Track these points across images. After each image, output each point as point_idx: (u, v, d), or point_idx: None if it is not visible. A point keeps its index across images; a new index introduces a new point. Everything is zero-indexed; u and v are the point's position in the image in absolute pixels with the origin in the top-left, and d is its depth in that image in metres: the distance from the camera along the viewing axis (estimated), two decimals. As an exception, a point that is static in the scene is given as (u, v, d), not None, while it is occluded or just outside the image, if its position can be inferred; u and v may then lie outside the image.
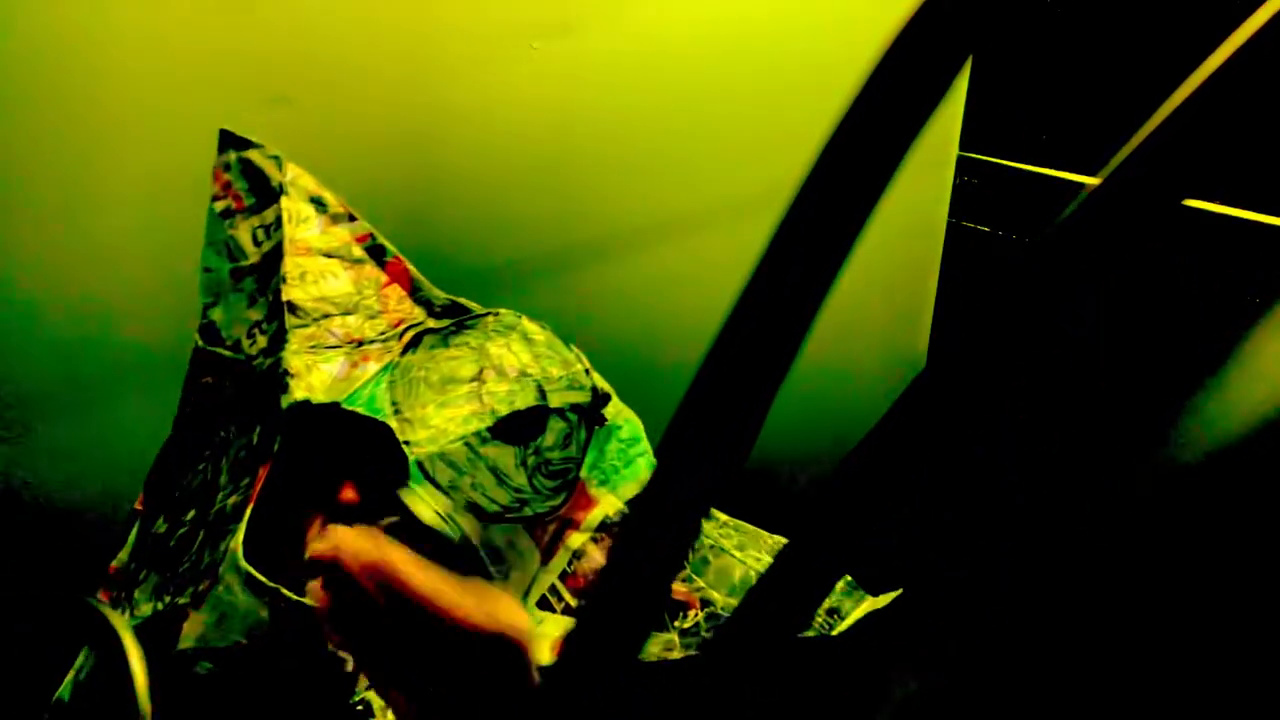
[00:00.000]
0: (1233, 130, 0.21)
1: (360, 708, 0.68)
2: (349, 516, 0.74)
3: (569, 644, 0.27)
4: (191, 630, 0.68)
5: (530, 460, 0.78)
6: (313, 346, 0.78)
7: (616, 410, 0.87)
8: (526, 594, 0.79)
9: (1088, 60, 1.35)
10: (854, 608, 0.81)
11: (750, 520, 0.92)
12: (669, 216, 1.24)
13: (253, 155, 0.83)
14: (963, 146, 1.38)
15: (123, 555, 0.81)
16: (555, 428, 0.80)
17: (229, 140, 0.84)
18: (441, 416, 0.76)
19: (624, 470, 0.83)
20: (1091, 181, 0.23)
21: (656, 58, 1.16)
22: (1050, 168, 1.36)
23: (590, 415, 0.83)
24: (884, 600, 0.80)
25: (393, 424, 0.74)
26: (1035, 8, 1.36)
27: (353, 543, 0.61)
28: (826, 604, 0.81)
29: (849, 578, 0.84)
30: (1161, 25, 1.25)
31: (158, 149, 1.00)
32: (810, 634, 0.78)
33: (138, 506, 0.83)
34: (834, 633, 0.79)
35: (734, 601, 0.81)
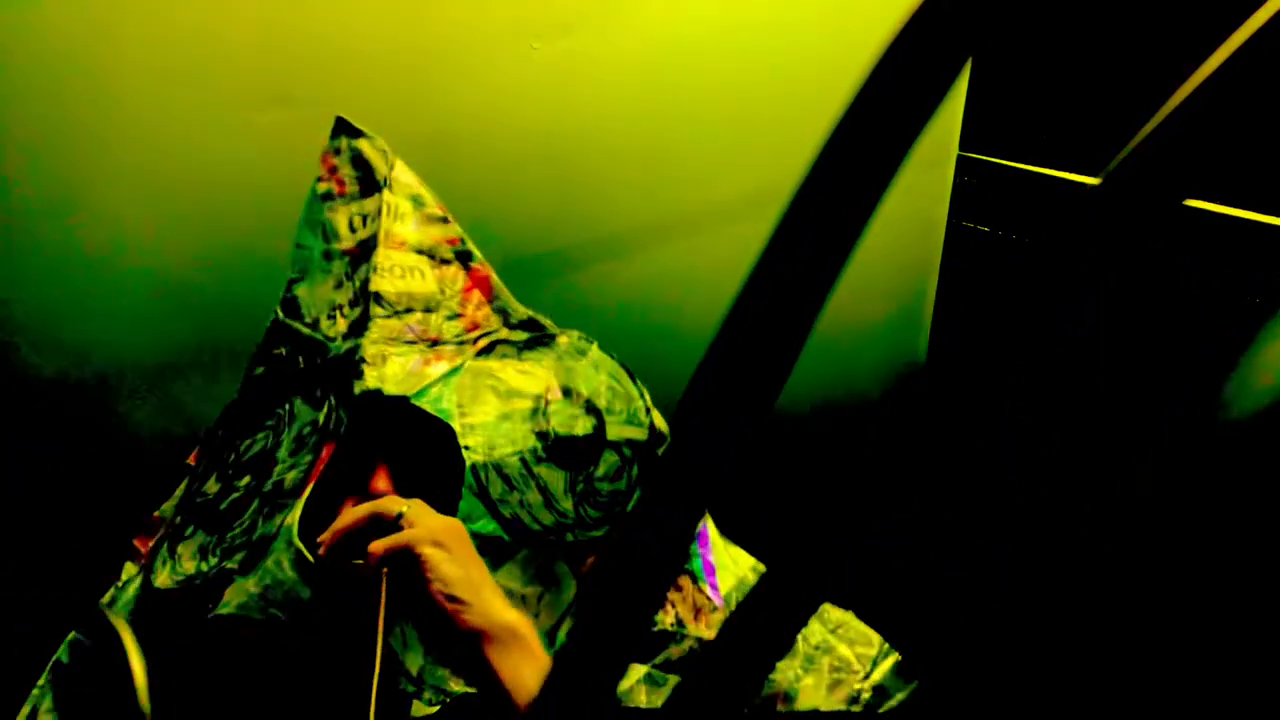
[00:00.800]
0: (1233, 130, 0.21)
1: (414, 689, 0.70)
2: None
3: (562, 657, 0.27)
4: (234, 597, 0.69)
5: (580, 487, 0.79)
6: (391, 339, 0.79)
7: None
8: (559, 622, 0.78)
9: (1088, 60, 1.35)
10: (901, 689, 0.81)
11: (750, 520, 0.92)
12: (669, 216, 1.24)
13: (363, 145, 0.85)
14: (963, 146, 1.38)
15: (167, 507, 0.81)
16: (609, 460, 0.80)
17: (342, 127, 0.85)
18: (502, 427, 0.77)
19: None
20: (1091, 181, 0.23)
21: (656, 58, 1.16)
22: (1050, 168, 1.36)
23: (645, 453, 0.83)
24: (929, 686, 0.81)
25: (455, 425, 0.75)
26: (1035, 8, 1.36)
27: (426, 514, 0.64)
28: (874, 680, 0.82)
29: (899, 657, 0.84)
30: (1161, 25, 1.25)
31: (157, 149, 1.00)
32: (857, 709, 0.80)
33: (190, 461, 0.84)
34: (881, 711, 0.80)
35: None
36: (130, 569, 0.80)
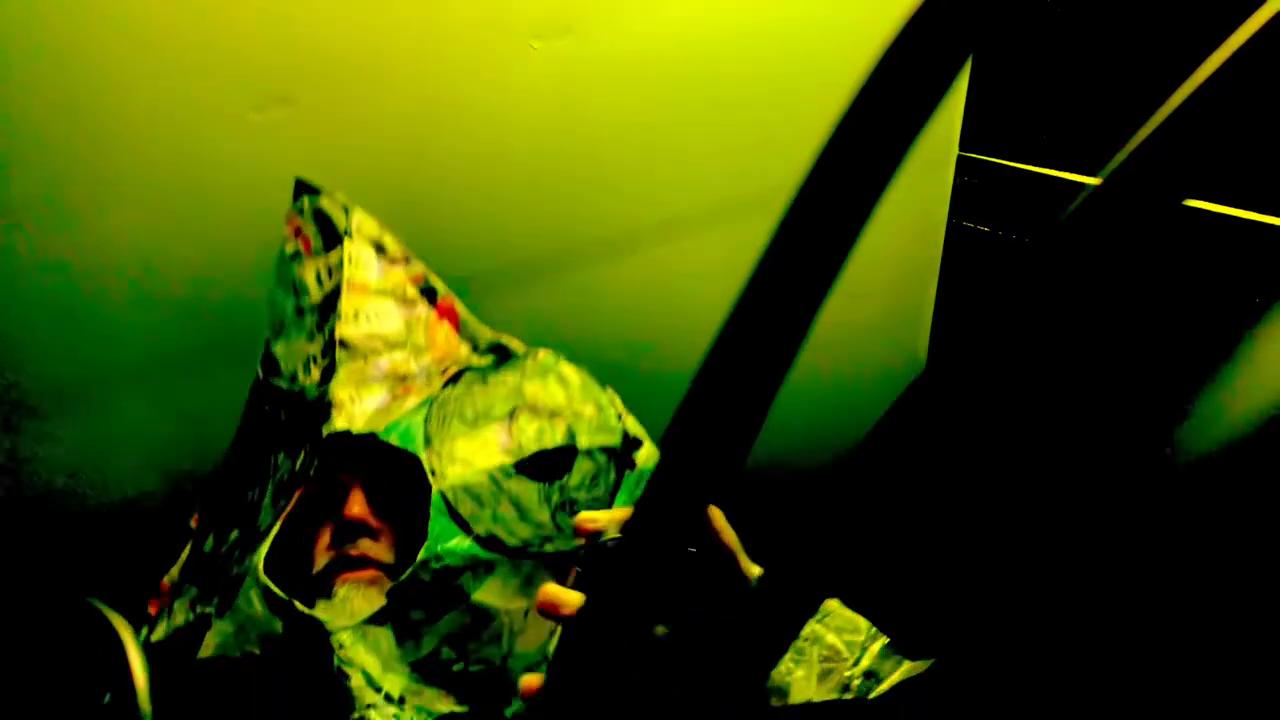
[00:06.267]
0: (1233, 130, 0.21)
1: None
2: (355, 534, 0.76)
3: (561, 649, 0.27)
4: (213, 640, 0.70)
5: (554, 498, 0.78)
6: (359, 380, 0.81)
7: (649, 455, 0.86)
8: (551, 635, 0.77)
9: (1088, 60, 1.35)
10: (892, 671, 0.81)
11: (749, 520, 0.92)
12: (669, 216, 1.24)
13: (322, 202, 0.87)
14: (963, 146, 1.38)
15: (174, 572, 0.84)
16: (582, 468, 0.80)
17: (303, 188, 0.88)
18: (469, 450, 0.77)
19: None
20: (1092, 181, 0.23)
21: (657, 57, 1.16)
22: (1050, 168, 1.36)
23: (620, 458, 0.83)
24: (922, 666, 0.80)
25: (422, 456, 0.76)
26: (1035, 8, 1.36)
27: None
28: (864, 666, 0.81)
29: (886, 640, 0.83)
30: (1161, 25, 1.25)
31: (157, 148, 1.00)
32: (849, 696, 0.79)
33: (192, 524, 0.86)
34: (871, 696, 0.79)
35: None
36: (143, 632, 0.82)
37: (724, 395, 0.26)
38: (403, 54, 1.05)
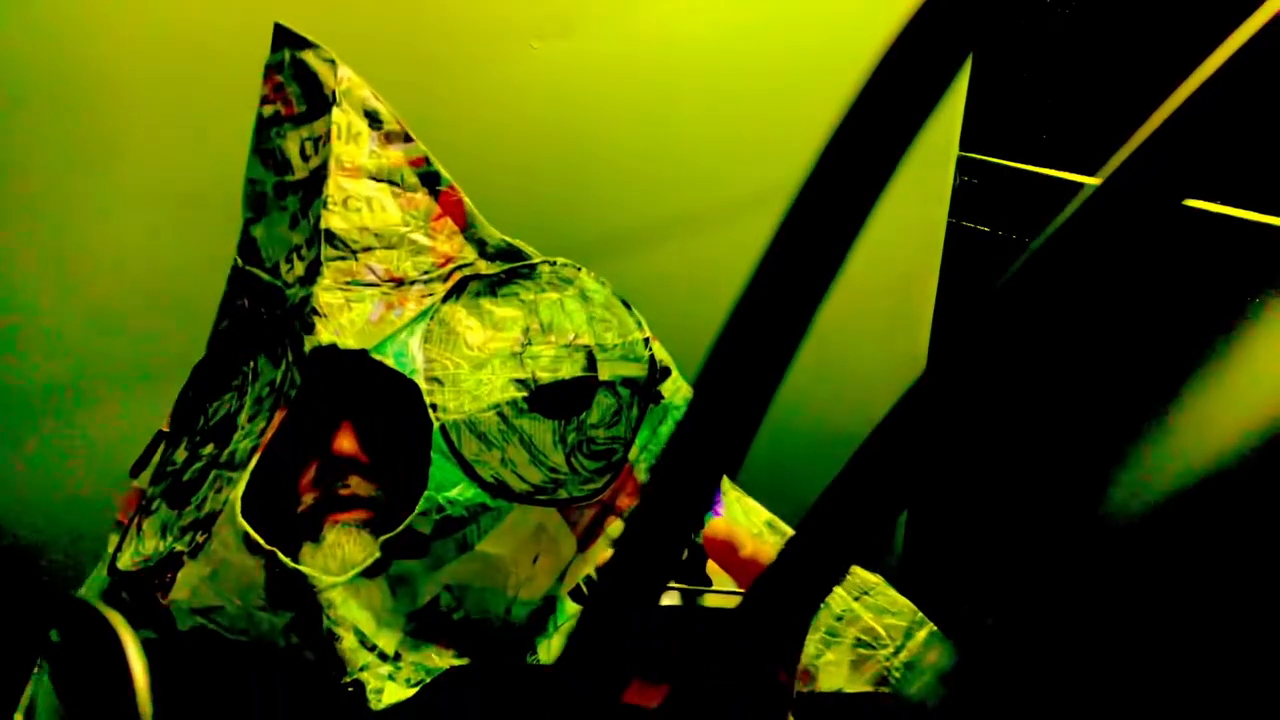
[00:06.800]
0: (1233, 130, 0.21)
1: (351, 689, 0.63)
2: (344, 471, 0.69)
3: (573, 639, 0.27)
4: (185, 580, 0.63)
5: (571, 437, 0.70)
6: (347, 282, 0.70)
7: (676, 387, 0.78)
8: (560, 581, 0.70)
9: (1088, 60, 1.35)
10: (934, 666, 0.72)
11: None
12: (669, 216, 1.24)
13: (307, 56, 0.75)
14: (963, 146, 1.38)
15: (144, 476, 0.75)
16: (603, 403, 0.72)
17: (283, 37, 0.76)
18: (475, 379, 0.68)
19: None
20: (1092, 181, 0.23)
21: (657, 58, 1.16)
22: (1050, 168, 1.36)
23: (645, 391, 0.75)
24: (947, 658, 0.72)
25: (421, 382, 0.67)
26: (1035, 8, 1.36)
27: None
28: (905, 656, 0.72)
29: (933, 627, 0.74)
30: (1161, 25, 1.25)
31: (157, 148, 1.00)
32: (885, 690, 0.71)
33: (164, 428, 0.77)
34: (911, 691, 0.71)
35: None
36: (114, 540, 0.74)
37: (723, 395, 0.26)
38: (402, 54, 1.05)
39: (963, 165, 1.40)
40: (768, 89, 1.22)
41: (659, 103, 1.17)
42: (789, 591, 0.27)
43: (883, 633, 0.73)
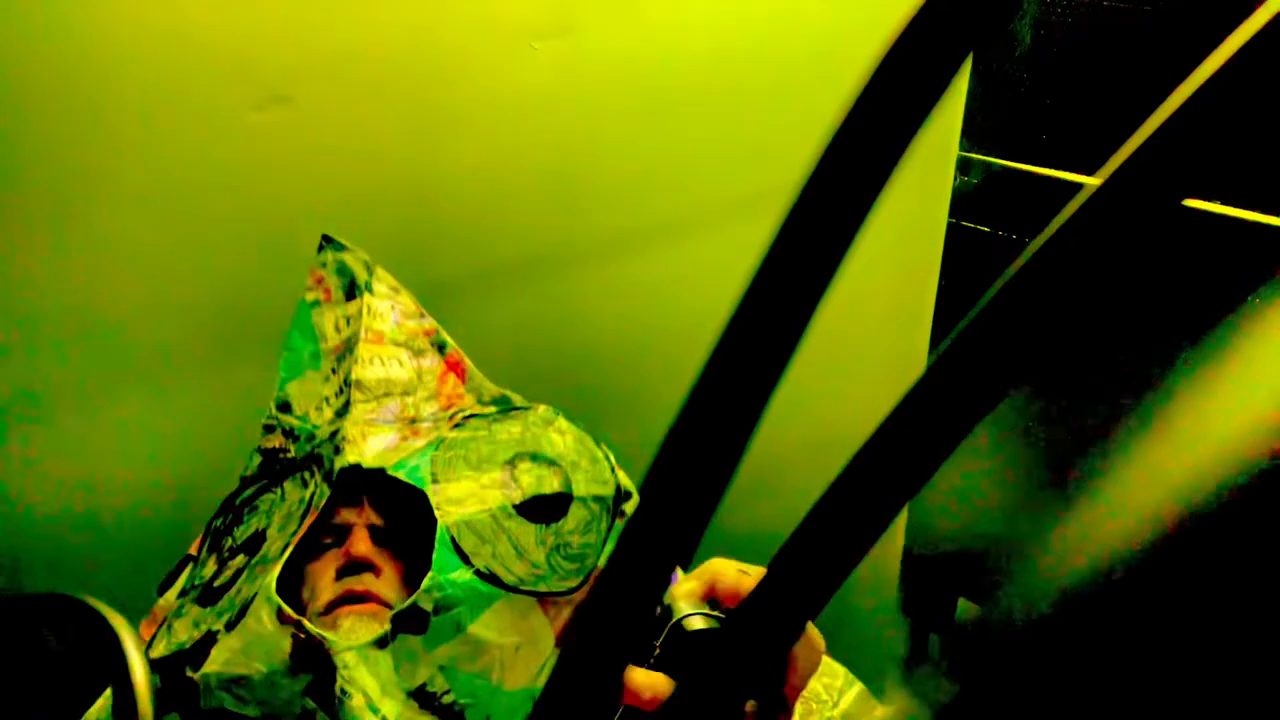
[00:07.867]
0: (1233, 130, 0.21)
1: None
2: (359, 570, 0.81)
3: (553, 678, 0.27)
4: (219, 655, 0.73)
5: (550, 540, 0.83)
6: (371, 419, 0.88)
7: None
8: (540, 674, 0.81)
9: (1087, 60, 1.35)
10: (868, 714, 0.85)
11: (747, 521, 0.92)
12: (669, 216, 1.24)
13: (345, 256, 0.95)
14: (963, 146, 1.38)
15: (169, 596, 0.86)
16: (577, 514, 0.85)
17: (328, 242, 0.95)
18: (473, 490, 0.83)
19: None
20: (1092, 181, 0.23)
21: (657, 58, 1.16)
22: (1050, 168, 1.37)
23: (612, 509, 0.88)
24: (893, 712, 0.81)
25: (428, 492, 0.81)
26: (1035, 8, 1.36)
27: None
28: (843, 708, 0.85)
29: (862, 686, 0.86)
30: (1161, 26, 1.25)
31: (157, 148, 1.00)
32: None
33: (192, 551, 0.89)
34: None
35: None
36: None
37: (723, 395, 0.26)
38: (403, 54, 1.05)
39: (963, 165, 1.40)
40: (768, 89, 1.22)
41: (659, 103, 1.17)
42: (789, 591, 0.27)
43: (822, 691, 0.87)
